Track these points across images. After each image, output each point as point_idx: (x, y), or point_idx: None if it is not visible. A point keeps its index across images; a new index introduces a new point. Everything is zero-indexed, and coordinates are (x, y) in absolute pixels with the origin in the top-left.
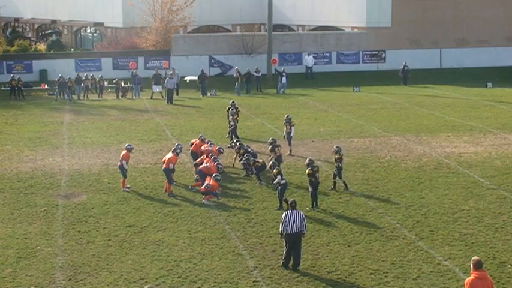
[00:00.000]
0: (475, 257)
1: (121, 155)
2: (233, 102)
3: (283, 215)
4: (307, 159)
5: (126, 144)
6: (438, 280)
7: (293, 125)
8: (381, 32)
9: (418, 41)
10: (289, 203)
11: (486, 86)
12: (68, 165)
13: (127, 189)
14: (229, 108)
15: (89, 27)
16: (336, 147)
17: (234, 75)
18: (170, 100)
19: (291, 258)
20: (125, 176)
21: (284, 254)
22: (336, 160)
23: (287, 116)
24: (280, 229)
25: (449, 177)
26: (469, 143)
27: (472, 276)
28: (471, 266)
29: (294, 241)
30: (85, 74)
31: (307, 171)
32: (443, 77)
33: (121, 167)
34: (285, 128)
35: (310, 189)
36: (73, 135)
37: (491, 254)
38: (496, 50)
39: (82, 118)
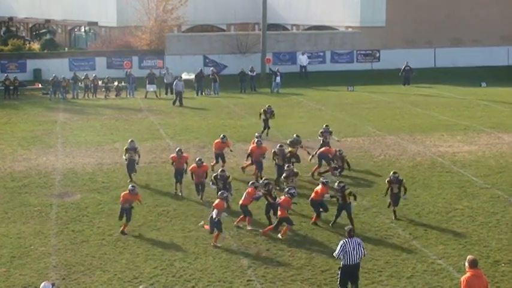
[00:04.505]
0: (470, 256)
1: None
2: (269, 106)
3: (342, 242)
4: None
5: (130, 186)
6: (432, 279)
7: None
8: (375, 32)
9: (412, 41)
10: (347, 231)
11: (480, 86)
12: (62, 164)
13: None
14: (264, 111)
15: (83, 27)
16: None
17: (210, 75)
18: (180, 102)
19: None
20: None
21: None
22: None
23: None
24: (337, 255)
25: (443, 177)
26: (463, 142)
27: (468, 274)
28: (466, 264)
29: (352, 274)
30: (85, 74)
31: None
32: (438, 76)
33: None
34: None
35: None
36: (67, 135)
37: (485, 253)
38: (490, 49)
39: (76, 117)
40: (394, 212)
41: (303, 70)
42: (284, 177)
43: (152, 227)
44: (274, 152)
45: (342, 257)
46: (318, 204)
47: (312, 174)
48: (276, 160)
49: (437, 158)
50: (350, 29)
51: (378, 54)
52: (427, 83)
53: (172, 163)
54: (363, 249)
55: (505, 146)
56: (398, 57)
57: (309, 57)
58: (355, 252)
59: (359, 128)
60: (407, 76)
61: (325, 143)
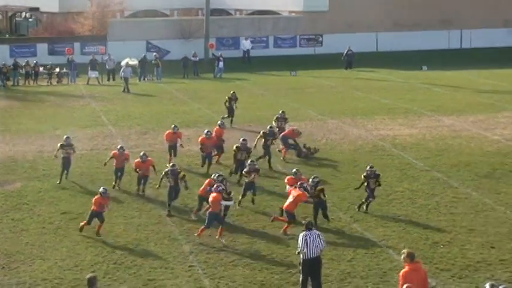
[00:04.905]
0: (407, 250)
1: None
2: (234, 92)
3: (302, 235)
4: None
5: (101, 188)
6: (372, 261)
7: None
8: (317, 16)
9: (355, 25)
10: (305, 224)
11: (421, 69)
12: (2, 152)
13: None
14: (230, 98)
15: (24, 12)
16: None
17: (153, 61)
18: (127, 89)
19: None
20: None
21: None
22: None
23: None
24: (301, 249)
25: (384, 160)
26: (403, 126)
27: (406, 268)
28: (404, 257)
29: (313, 267)
30: (26, 60)
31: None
32: (379, 60)
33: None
34: None
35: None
36: (7, 122)
37: (424, 235)
38: (430, 33)
39: (17, 104)
40: (368, 204)
41: (246, 55)
42: (245, 172)
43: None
44: (238, 147)
45: (305, 250)
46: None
47: (284, 158)
48: (239, 155)
49: (379, 141)
50: (293, 14)
51: (320, 39)
52: (369, 67)
53: (111, 157)
54: (323, 241)
55: (445, 129)
56: (341, 41)
57: (252, 42)
58: (314, 246)
59: (302, 112)
60: (349, 60)
61: (280, 129)
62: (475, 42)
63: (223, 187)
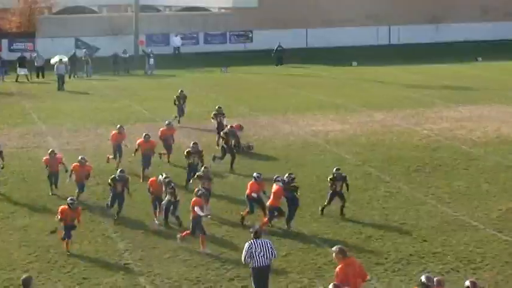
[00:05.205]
0: (338, 247)
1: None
2: (182, 91)
3: (247, 244)
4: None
5: (69, 199)
6: (307, 256)
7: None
8: (247, 12)
9: (284, 21)
10: (253, 232)
11: (351, 65)
12: None
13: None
14: (178, 97)
15: None
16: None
17: (83, 58)
18: (60, 86)
19: None
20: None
21: None
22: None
23: None
24: (244, 259)
25: (316, 155)
26: (335, 121)
27: (340, 265)
28: (336, 255)
29: (261, 276)
30: None
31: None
32: (310, 56)
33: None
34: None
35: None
36: None
37: (358, 229)
38: (359, 29)
39: None
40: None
41: (177, 51)
42: (197, 176)
43: (25, 213)
44: (189, 151)
45: (249, 260)
46: (257, 202)
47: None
48: (191, 159)
49: (311, 137)
50: (222, 10)
51: (250, 35)
52: (300, 63)
53: (46, 167)
54: (272, 249)
55: (375, 124)
56: (271, 37)
57: (182, 39)
58: (262, 254)
59: (233, 109)
60: (279, 56)
61: (220, 125)
62: (403, 39)
63: (203, 191)
